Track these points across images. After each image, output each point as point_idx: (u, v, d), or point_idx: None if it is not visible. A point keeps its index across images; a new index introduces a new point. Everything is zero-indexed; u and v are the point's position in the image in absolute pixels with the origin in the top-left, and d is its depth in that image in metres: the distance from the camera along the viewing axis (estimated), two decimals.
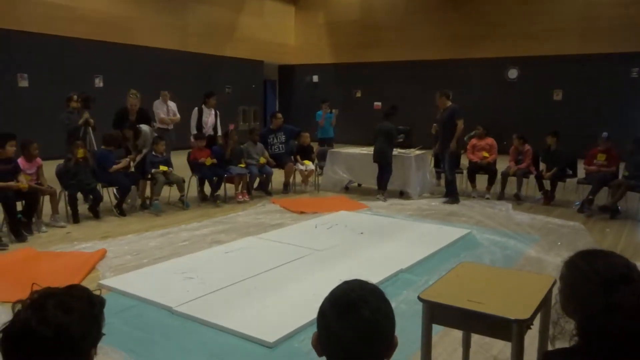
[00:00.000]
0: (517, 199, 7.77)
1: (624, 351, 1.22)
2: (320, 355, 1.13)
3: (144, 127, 7.48)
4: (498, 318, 2.06)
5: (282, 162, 8.37)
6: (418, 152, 8.52)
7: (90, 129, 7.09)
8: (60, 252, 5.00)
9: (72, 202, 6.22)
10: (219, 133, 8.18)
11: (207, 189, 7.66)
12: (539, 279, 2.63)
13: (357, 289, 1.12)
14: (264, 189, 8.29)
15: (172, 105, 8.79)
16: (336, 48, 17.90)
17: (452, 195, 7.62)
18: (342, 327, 1.07)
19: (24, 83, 11.48)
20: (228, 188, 7.69)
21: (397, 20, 16.43)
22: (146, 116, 7.46)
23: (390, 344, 1.12)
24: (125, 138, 7.13)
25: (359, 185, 8.94)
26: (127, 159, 6.88)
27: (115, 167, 6.63)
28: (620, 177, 7.07)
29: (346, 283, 1.15)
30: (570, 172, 7.77)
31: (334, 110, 10.66)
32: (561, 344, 1.39)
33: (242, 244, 5.29)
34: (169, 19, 14.43)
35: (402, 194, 8.13)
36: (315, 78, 18.56)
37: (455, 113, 7.51)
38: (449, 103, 7.63)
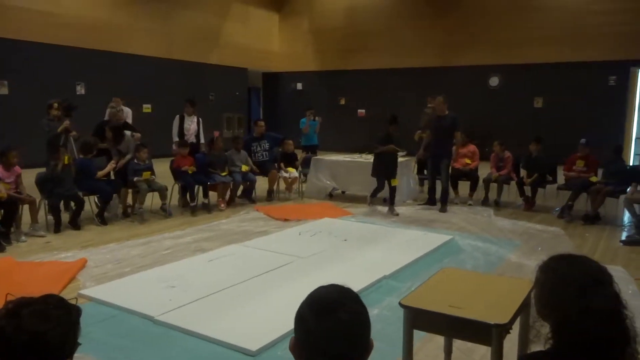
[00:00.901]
0: (497, 205, 7.86)
1: (598, 353, 1.25)
2: (298, 359, 1.14)
3: (127, 133, 7.44)
4: (478, 323, 2.08)
5: (265, 169, 8.36)
6: (401, 158, 8.56)
7: (71, 137, 7.00)
8: (39, 261, 4.92)
9: (55, 211, 6.12)
10: (202, 140, 8.11)
11: None
12: (519, 283, 2.66)
13: (334, 292, 1.16)
14: (248, 197, 8.27)
15: (126, 111, 8.60)
16: (320, 55, 17.98)
17: (445, 203, 7.61)
18: (320, 330, 1.10)
19: (3, 90, 11.31)
20: (211, 195, 7.65)
21: (382, 27, 16.56)
22: (129, 128, 7.46)
23: (366, 346, 1.15)
24: (107, 139, 7.05)
25: (343, 192, 8.96)
26: (112, 163, 6.83)
27: (101, 173, 6.57)
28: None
29: (323, 287, 1.18)
30: (550, 178, 7.89)
31: (317, 118, 10.68)
32: (537, 347, 1.42)
33: (226, 252, 5.26)
34: (152, 26, 14.36)
35: (386, 201, 8.15)
36: (299, 85, 18.60)
37: (457, 123, 7.54)
38: (447, 110, 7.64)
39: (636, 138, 13.66)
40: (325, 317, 1.11)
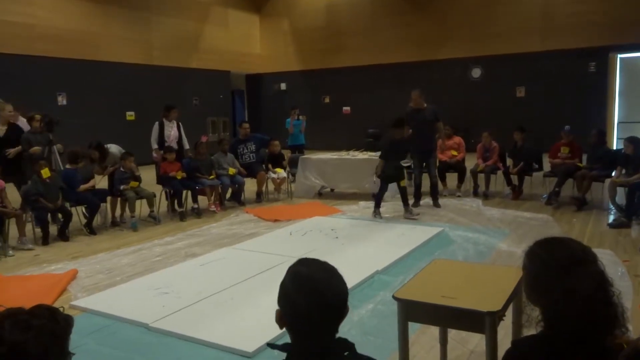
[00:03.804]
0: (485, 197, 7.91)
1: (585, 334, 1.26)
2: (281, 327, 1.26)
3: (113, 148, 7.35)
4: (471, 311, 2.10)
5: (253, 171, 8.34)
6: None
7: (55, 147, 6.93)
8: (28, 275, 4.86)
9: (42, 223, 6.04)
10: (187, 147, 8.00)
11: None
12: (510, 271, 2.68)
13: (311, 264, 1.29)
14: (237, 199, 8.24)
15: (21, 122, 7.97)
16: (303, 55, 17.97)
17: (437, 198, 7.46)
18: (299, 297, 1.21)
19: None
20: (200, 200, 7.62)
21: (362, 25, 16.61)
22: (19, 131, 6.99)
23: (342, 311, 1.26)
24: (91, 160, 7.01)
25: (332, 190, 8.97)
26: (94, 181, 6.76)
27: (82, 187, 6.50)
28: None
29: (299, 261, 1.31)
30: (536, 166, 7.97)
31: (302, 117, 10.68)
32: (529, 331, 1.43)
33: (217, 256, 5.24)
34: (133, 33, 14.25)
35: (374, 196, 8.15)
36: (283, 86, 18.58)
37: (438, 114, 7.46)
38: (425, 103, 7.49)
39: (618, 122, 13.83)
40: (304, 286, 1.23)
